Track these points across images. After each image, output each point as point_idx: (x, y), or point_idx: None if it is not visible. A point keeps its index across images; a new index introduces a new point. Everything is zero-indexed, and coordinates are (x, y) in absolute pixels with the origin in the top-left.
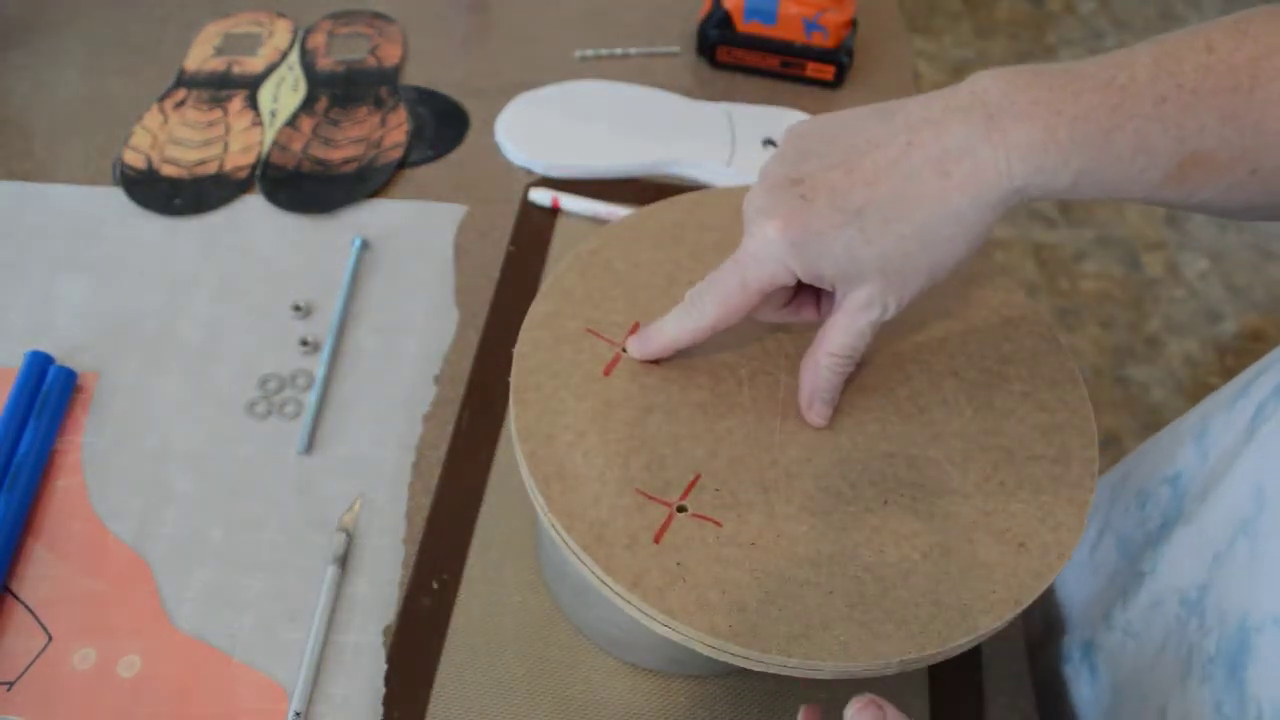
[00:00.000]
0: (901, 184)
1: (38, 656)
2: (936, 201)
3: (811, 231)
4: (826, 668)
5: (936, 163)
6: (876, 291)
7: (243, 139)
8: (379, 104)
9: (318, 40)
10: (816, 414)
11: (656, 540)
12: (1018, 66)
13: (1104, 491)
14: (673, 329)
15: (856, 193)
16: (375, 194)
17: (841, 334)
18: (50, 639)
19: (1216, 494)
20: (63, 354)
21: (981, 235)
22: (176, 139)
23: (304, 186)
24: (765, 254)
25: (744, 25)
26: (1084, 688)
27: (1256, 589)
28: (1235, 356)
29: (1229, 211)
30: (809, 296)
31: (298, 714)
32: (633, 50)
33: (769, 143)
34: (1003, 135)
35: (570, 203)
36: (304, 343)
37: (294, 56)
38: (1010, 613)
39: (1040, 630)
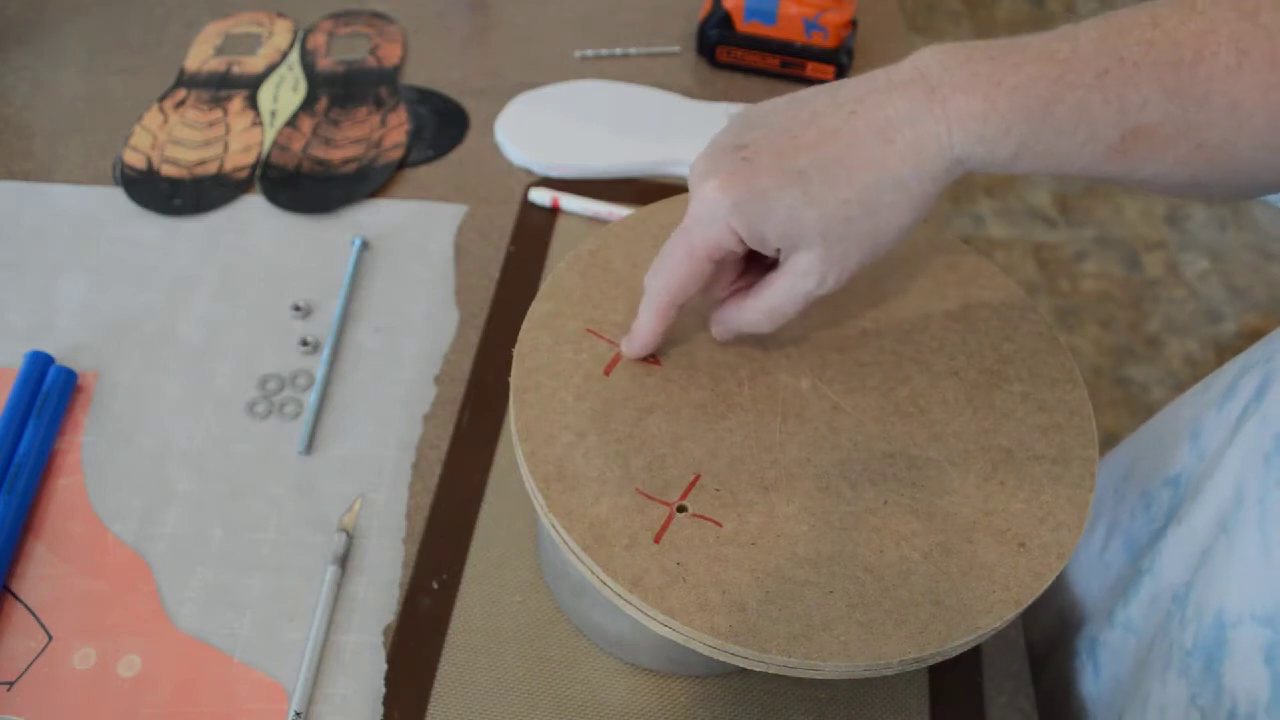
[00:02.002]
0: (845, 149)
1: (38, 656)
2: (879, 166)
3: (754, 190)
4: (826, 668)
5: (879, 130)
6: (817, 259)
7: (243, 139)
8: (379, 104)
9: (318, 40)
10: (717, 334)
11: (656, 540)
12: (960, 42)
13: (1106, 485)
14: (643, 318)
15: (800, 155)
16: (375, 194)
17: (775, 295)
18: (50, 639)
19: (1204, 493)
20: (63, 354)
21: (925, 206)
22: (176, 139)
23: (304, 186)
24: (708, 214)
25: (744, 25)
26: (1088, 684)
27: (1232, 585)
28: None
29: (1176, 188)
30: (759, 273)
31: (298, 714)
32: (633, 50)
33: None
34: (943, 106)
35: (570, 203)
36: (304, 343)
37: (294, 56)
38: (1010, 613)
39: (1055, 630)
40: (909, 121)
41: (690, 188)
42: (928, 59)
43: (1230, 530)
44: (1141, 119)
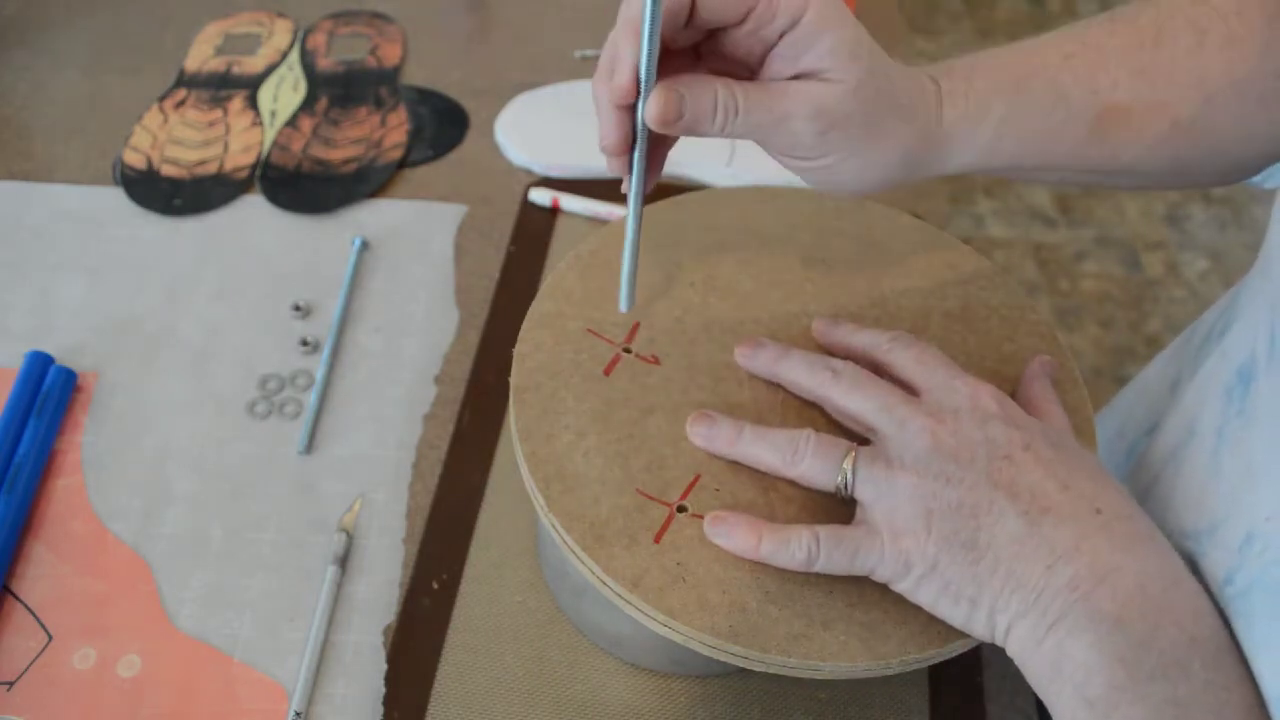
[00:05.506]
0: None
1: (38, 656)
2: (906, 126)
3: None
4: (826, 668)
5: (905, 102)
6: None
7: (243, 139)
8: (379, 104)
9: (318, 40)
10: (656, 110)
11: (656, 540)
12: (960, 59)
13: (1099, 444)
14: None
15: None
16: (375, 194)
17: (782, 97)
18: (50, 639)
19: (1162, 429)
20: (63, 354)
21: (905, 160)
22: (176, 139)
23: (304, 186)
24: None
25: None
26: None
27: (1170, 510)
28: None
29: (1164, 175)
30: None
31: (298, 714)
32: None
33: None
34: (936, 85)
35: (570, 203)
36: (304, 343)
37: (294, 56)
38: None
39: None
40: (925, 97)
41: None
42: (932, 70)
43: (1179, 460)
44: (1113, 99)
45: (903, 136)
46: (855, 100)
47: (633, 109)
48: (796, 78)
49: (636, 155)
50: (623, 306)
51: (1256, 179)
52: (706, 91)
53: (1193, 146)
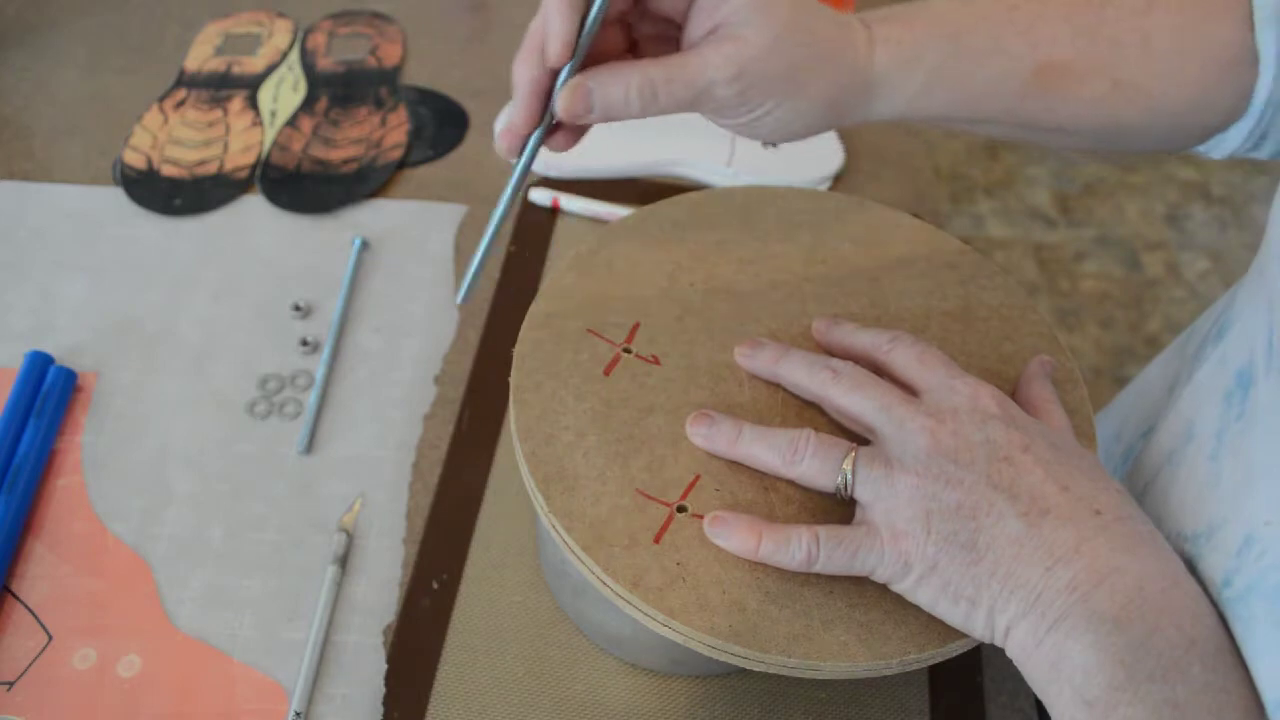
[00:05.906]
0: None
1: (38, 656)
2: (832, 42)
3: None
4: (826, 668)
5: (836, 41)
6: (741, 60)
7: (243, 139)
8: (379, 104)
9: (318, 40)
10: (565, 103)
11: (656, 540)
12: (905, 4)
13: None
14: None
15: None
16: (375, 194)
17: (683, 67)
18: (50, 639)
19: (1158, 431)
20: (63, 354)
21: (833, 90)
22: (176, 139)
23: (304, 186)
24: None
25: None
26: None
27: (1167, 512)
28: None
29: (1102, 133)
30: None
31: (298, 714)
32: None
33: (770, 143)
34: (869, 30)
35: (570, 203)
36: (304, 343)
37: (294, 56)
38: None
39: None
40: (851, 42)
41: None
42: (869, 15)
43: (1176, 463)
44: (1054, 53)
45: (826, 85)
46: (773, 56)
47: (550, 94)
48: (714, 31)
49: (532, 140)
50: (459, 298)
51: (1202, 148)
52: (617, 83)
53: (1131, 108)
